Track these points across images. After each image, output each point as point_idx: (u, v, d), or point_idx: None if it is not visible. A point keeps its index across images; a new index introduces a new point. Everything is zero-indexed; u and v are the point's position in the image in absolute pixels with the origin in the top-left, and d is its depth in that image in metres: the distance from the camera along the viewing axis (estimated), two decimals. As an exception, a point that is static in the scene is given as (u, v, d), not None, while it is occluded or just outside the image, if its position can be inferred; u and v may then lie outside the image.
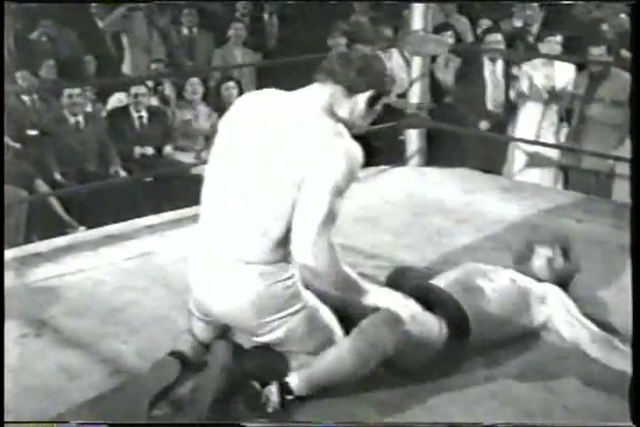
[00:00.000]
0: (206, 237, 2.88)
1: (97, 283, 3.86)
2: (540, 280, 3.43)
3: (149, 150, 7.36)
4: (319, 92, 2.81)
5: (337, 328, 2.95)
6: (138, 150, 7.36)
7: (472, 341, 3.13)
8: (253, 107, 2.85)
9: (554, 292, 3.37)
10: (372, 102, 2.84)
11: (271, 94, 2.88)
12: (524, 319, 3.27)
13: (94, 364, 3.17)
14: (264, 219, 2.74)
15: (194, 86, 7.69)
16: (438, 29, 7.53)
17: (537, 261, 3.51)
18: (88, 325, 3.47)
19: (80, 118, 7.10)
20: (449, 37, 7.44)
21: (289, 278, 2.82)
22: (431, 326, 2.99)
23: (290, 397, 2.79)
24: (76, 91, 7.06)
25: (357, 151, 2.73)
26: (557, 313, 3.29)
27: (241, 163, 2.77)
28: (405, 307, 2.90)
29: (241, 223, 2.77)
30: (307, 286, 2.91)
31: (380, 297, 2.90)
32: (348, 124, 2.81)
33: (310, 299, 2.90)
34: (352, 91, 2.80)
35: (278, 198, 2.71)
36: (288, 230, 2.74)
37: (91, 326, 3.46)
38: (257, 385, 2.77)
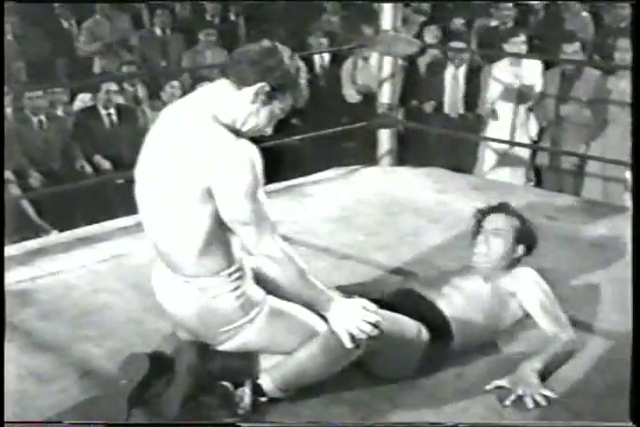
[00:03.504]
0: (154, 250, 2.89)
1: (69, 286, 3.84)
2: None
3: (106, 164, 7.16)
4: (209, 94, 2.74)
5: (315, 321, 2.85)
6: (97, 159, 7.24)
7: (457, 344, 3.13)
8: (161, 122, 2.80)
9: (524, 284, 3.32)
10: (267, 97, 2.71)
11: (175, 105, 2.82)
12: (505, 318, 3.27)
13: (66, 367, 3.15)
14: (183, 233, 2.72)
15: (174, 89, 7.69)
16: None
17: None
18: (60, 328, 3.45)
19: (42, 118, 7.07)
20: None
21: (235, 290, 2.77)
22: (405, 326, 2.97)
23: (263, 399, 2.80)
24: (38, 93, 7.04)
25: (251, 149, 2.65)
26: (530, 306, 3.29)
27: (155, 179, 2.74)
28: (368, 315, 2.79)
29: (166, 239, 2.77)
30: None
31: (339, 319, 2.79)
32: (250, 126, 2.72)
33: (271, 302, 2.84)
34: (241, 83, 2.69)
35: (187, 211, 2.68)
36: (211, 242, 2.71)
37: (63, 329, 3.45)
38: (229, 386, 2.77)
